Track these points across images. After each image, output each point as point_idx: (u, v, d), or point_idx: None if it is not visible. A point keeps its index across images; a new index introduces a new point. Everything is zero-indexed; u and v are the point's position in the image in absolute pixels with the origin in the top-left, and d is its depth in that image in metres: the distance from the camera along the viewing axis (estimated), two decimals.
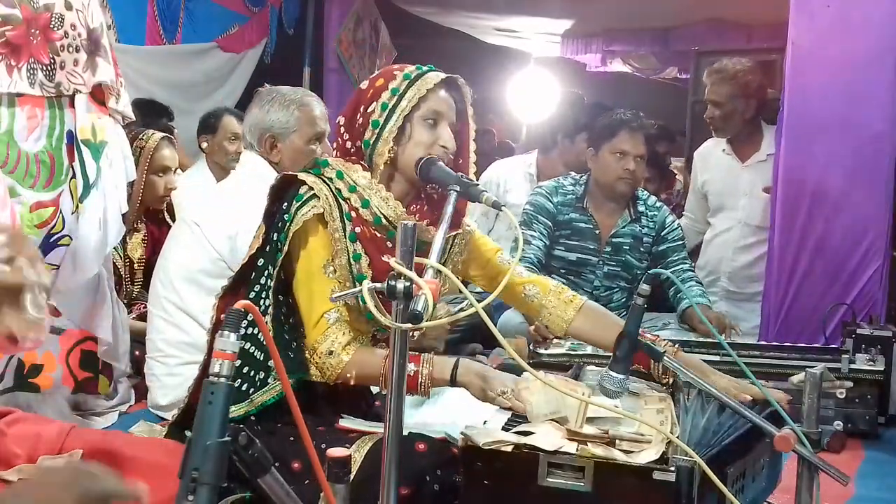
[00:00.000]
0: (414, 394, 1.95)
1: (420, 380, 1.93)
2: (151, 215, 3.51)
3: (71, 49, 2.49)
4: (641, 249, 3.63)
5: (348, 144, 2.09)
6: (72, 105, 2.55)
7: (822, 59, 3.50)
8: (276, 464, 1.40)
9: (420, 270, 1.54)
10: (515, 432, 1.75)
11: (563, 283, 2.34)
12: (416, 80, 2.03)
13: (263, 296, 2.01)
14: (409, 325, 1.48)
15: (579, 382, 2.01)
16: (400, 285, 1.49)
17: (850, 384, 2.84)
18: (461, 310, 1.67)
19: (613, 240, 3.60)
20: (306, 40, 6.03)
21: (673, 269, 3.54)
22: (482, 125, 9.61)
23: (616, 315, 2.31)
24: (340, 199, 2.02)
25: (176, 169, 3.52)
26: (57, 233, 2.54)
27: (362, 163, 2.06)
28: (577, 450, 1.66)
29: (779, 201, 3.61)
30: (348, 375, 1.98)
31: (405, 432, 1.60)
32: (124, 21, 4.22)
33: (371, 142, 2.03)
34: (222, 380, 1.17)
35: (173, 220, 3.53)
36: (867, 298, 3.48)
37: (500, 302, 2.73)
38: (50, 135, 2.50)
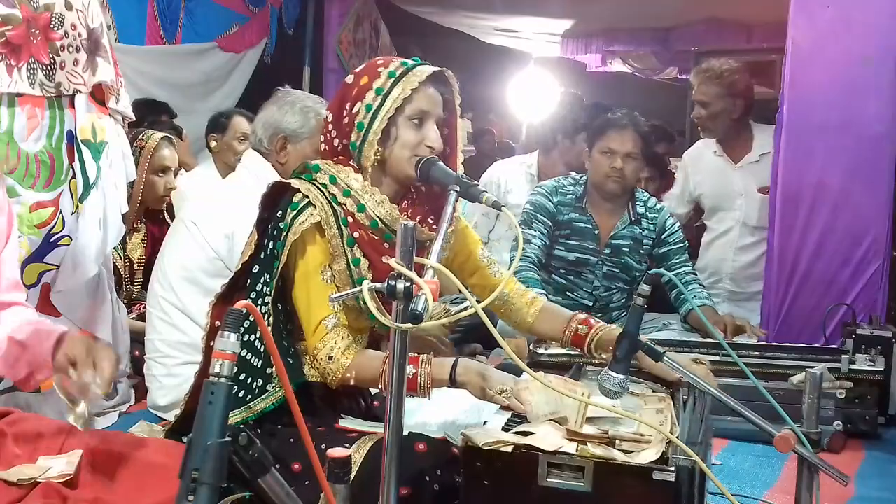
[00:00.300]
0: (414, 395, 1.94)
1: (419, 380, 1.92)
2: (151, 215, 3.51)
3: (71, 49, 2.49)
4: (641, 252, 3.63)
5: (336, 142, 2.07)
6: (72, 105, 2.55)
7: (822, 59, 3.49)
8: (277, 464, 1.40)
9: (418, 270, 1.54)
10: (515, 432, 1.75)
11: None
12: (401, 78, 2.00)
13: (260, 303, 2.00)
14: (409, 325, 1.48)
15: (579, 382, 2.01)
16: (400, 285, 1.49)
17: (850, 384, 2.84)
18: (462, 310, 1.67)
19: (613, 241, 3.59)
20: (306, 40, 6.02)
21: (675, 271, 3.54)
22: (482, 125, 9.68)
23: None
24: (335, 205, 2.00)
25: (176, 169, 3.52)
26: (57, 233, 2.54)
27: (352, 164, 2.05)
28: (577, 450, 1.66)
29: (778, 201, 3.60)
30: (349, 377, 1.98)
31: (405, 432, 1.60)
32: (124, 21, 4.22)
33: (357, 144, 2.02)
34: (222, 380, 1.17)
35: (173, 220, 3.53)
36: (867, 298, 3.48)
37: None
38: (50, 135, 2.50)
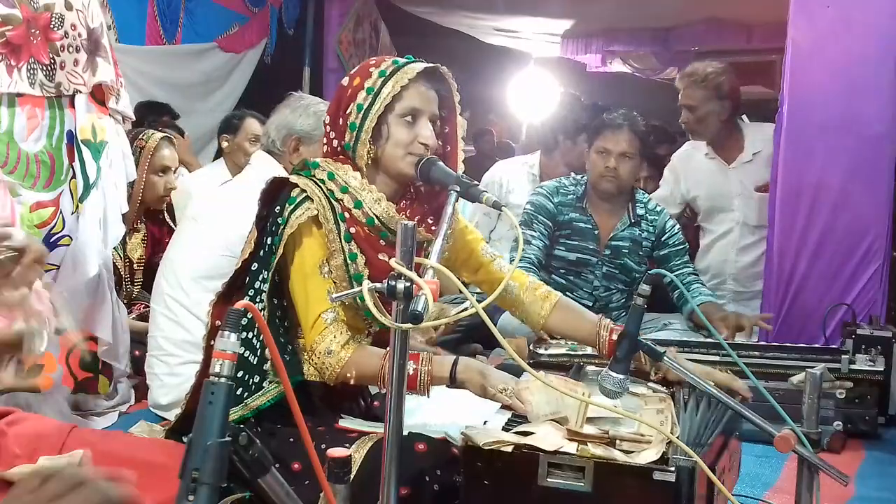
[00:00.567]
0: (414, 393, 1.94)
1: (419, 378, 1.92)
2: (151, 215, 3.51)
3: (71, 49, 2.49)
4: (640, 253, 3.63)
5: (335, 143, 2.08)
6: (72, 105, 2.55)
7: (822, 59, 3.49)
8: (276, 464, 1.40)
9: (417, 270, 1.54)
10: (516, 432, 1.75)
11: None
12: (392, 76, 2.00)
13: (258, 300, 2.00)
14: (409, 325, 1.48)
15: (579, 382, 2.01)
16: (400, 285, 1.49)
17: (850, 384, 2.84)
18: (463, 310, 1.67)
19: (612, 242, 3.60)
20: (306, 40, 6.03)
21: (676, 273, 3.54)
22: (482, 125, 9.67)
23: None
24: (333, 200, 2.01)
25: (177, 169, 3.52)
26: (57, 233, 2.54)
27: (351, 162, 2.06)
28: (577, 450, 1.66)
29: (778, 201, 3.60)
30: (348, 375, 1.97)
31: (405, 432, 1.60)
32: (124, 21, 4.22)
33: (351, 144, 2.03)
34: (223, 380, 1.17)
35: (173, 220, 3.54)
36: (867, 299, 3.48)
37: None
38: (50, 135, 2.50)
